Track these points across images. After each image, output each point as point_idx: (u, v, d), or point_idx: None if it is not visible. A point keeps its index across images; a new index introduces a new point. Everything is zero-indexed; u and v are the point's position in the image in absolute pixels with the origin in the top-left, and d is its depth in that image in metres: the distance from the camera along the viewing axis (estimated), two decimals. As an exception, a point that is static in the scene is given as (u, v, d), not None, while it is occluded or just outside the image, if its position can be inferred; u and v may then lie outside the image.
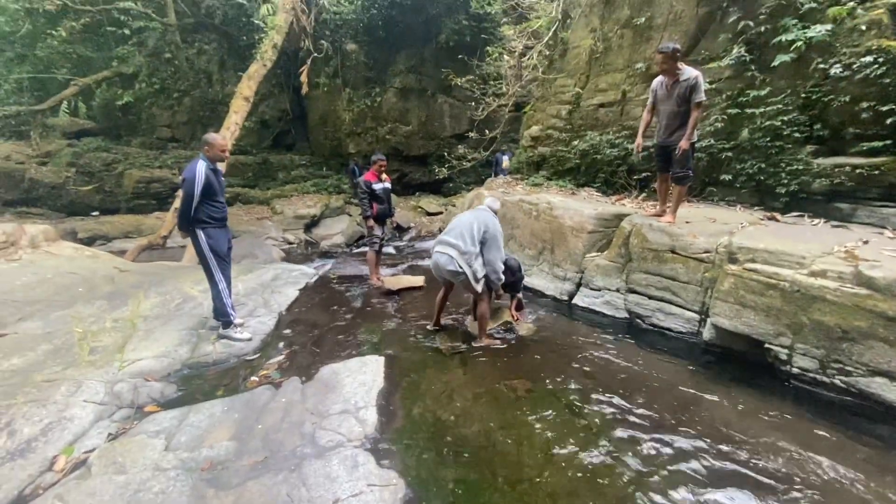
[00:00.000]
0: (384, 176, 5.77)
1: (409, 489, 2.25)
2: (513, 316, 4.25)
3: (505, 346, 3.88)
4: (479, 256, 3.69)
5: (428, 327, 4.27)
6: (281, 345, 3.99)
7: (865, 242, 3.50)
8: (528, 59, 8.28)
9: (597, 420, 2.79)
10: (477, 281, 3.69)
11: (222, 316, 3.81)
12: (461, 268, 3.64)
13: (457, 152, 11.72)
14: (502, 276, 3.79)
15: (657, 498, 2.24)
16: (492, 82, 9.70)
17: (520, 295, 4.42)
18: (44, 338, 3.59)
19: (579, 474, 2.38)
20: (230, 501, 2.16)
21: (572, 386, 3.19)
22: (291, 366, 3.56)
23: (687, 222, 4.37)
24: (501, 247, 3.76)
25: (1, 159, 11.22)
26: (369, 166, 5.72)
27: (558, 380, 3.28)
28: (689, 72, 3.99)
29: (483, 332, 3.93)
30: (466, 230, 3.69)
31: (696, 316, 3.90)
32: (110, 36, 13.38)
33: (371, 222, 5.73)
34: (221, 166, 4.23)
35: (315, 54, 12.69)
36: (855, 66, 4.24)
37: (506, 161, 10.58)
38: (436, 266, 3.77)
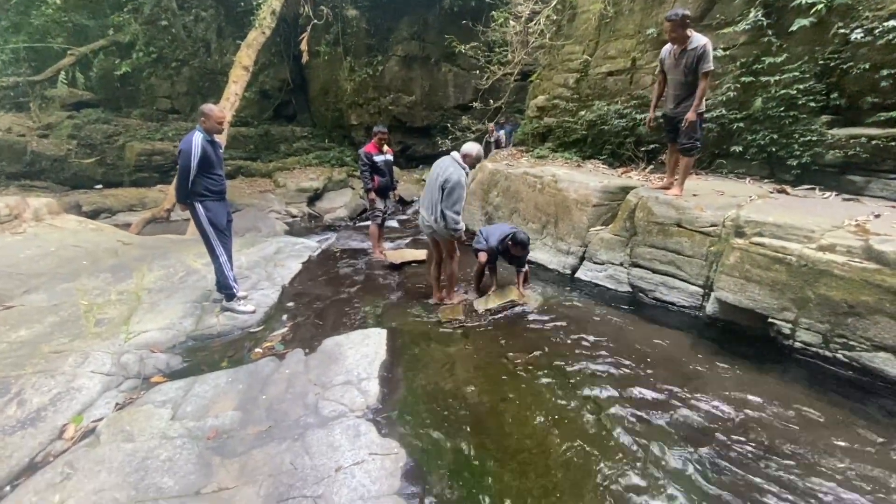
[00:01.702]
0: (386, 148, 5.68)
1: (410, 458, 2.28)
2: (520, 293, 4.23)
3: (500, 317, 3.88)
4: (437, 211, 3.75)
5: (429, 301, 4.29)
6: (284, 317, 4.01)
7: (877, 216, 3.41)
8: (535, 24, 7.96)
9: (596, 391, 2.80)
10: (451, 235, 3.80)
11: (225, 289, 3.82)
12: (432, 225, 3.83)
13: (461, 123, 11.47)
14: (459, 228, 3.72)
15: (652, 470, 2.27)
16: (497, 49, 9.38)
17: (526, 269, 4.41)
18: (50, 310, 3.63)
19: (578, 445, 2.41)
20: (235, 469, 2.21)
21: (573, 359, 3.20)
22: (295, 338, 3.59)
23: (694, 195, 4.29)
24: (461, 198, 3.67)
25: (2, 132, 11.12)
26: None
27: (560, 352, 3.29)
28: (697, 40, 3.81)
29: (451, 291, 4.15)
30: (432, 189, 3.80)
31: (700, 290, 3.87)
32: (105, 3, 12.99)
33: (372, 195, 5.67)
34: (220, 138, 4.15)
35: (315, 21, 12.28)
36: (877, 30, 4.03)
37: (500, 134, 10.31)
38: (421, 224, 4.01)
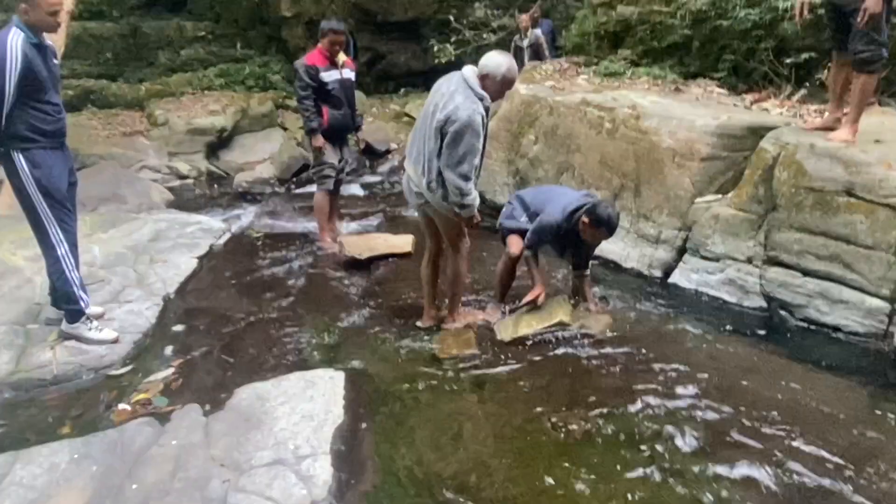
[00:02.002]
0: (343, 58, 5.67)
1: None
2: (591, 306, 4.31)
3: (537, 350, 3.89)
4: (433, 170, 3.76)
5: (418, 324, 4.30)
6: (168, 350, 3.99)
7: None
8: None
9: (715, 488, 2.81)
10: (455, 211, 3.77)
11: (66, 302, 3.81)
12: (423, 193, 3.83)
13: (472, 14, 11.41)
14: (469, 200, 3.68)
15: None
16: None
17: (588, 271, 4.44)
18: None
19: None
20: None
21: (668, 427, 3.20)
22: (186, 386, 3.58)
23: (877, 141, 4.29)
24: (473, 150, 3.61)
25: None
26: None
27: (643, 415, 3.29)
28: None
29: (455, 307, 4.26)
30: (424, 131, 3.77)
31: (886, 305, 3.88)
32: None
33: (319, 140, 5.67)
34: (54, 40, 4.11)
35: None
36: None
37: (539, 33, 10.17)
38: (406, 188, 4.08)
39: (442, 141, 3.60)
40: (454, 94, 3.58)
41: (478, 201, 3.78)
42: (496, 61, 3.64)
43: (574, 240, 4.16)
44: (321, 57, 5.58)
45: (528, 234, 4.12)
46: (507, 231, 4.33)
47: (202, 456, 2.87)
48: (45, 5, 3.46)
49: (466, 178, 3.62)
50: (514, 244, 4.20)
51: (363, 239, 5.98)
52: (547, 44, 10.17)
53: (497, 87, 3.68)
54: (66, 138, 3.75)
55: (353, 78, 5.77)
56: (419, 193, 3.88)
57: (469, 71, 3.68)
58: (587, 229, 4.00)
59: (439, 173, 3.68)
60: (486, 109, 3.65)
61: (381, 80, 14.14)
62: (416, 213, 4.32)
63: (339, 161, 5.92)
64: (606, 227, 3.97)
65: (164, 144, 10.46)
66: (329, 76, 5.58)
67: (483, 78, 3.63)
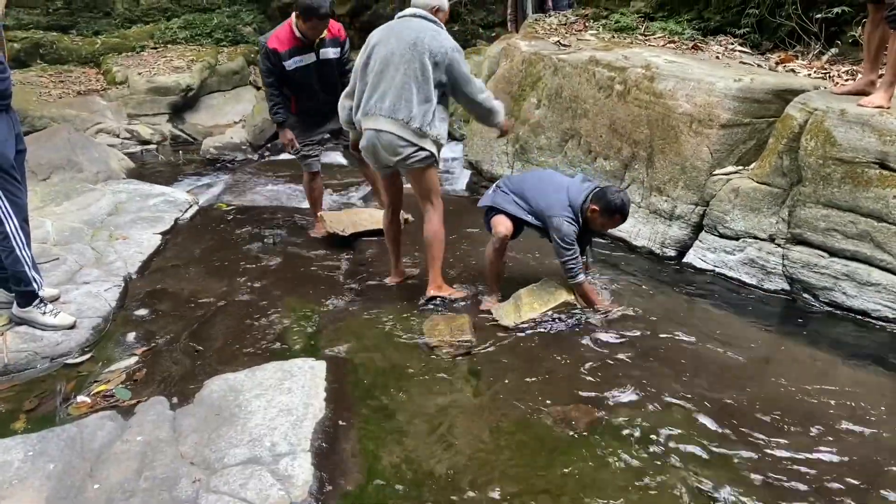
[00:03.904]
0: (325, 33, 5.24)
1: None
2: (590, 299, 4.27)
3: (538, 335, 3.94)
4: (434, 110, 4.05)
5: (386, 281, 4.72)
6: (131, 337, 4.02)
7: None
8: None
9: (728, 487, 2.85)
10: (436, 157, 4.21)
11: (17, 283, 3.83)
12: (415, 147, 4.05)
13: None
14: (494, 105, 4.29)
15: None
16: None
17: (588, 257, 4.45)
18: None
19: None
20: None
21: (679, 420, 3.25)
22: (151, 376, 3.60)
23: (913, 107, 4.30)
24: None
25: None
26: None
27: (653, 408, 3.33)
28: None
29: (438, 273, 4.41)
30: (398, 75, 3.96)
31: (919, 289, 3.94)
32: None
33: (286, 135, 5.47)
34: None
35: None
36: None
37: None
38: (372, 152, 4.19)
39: (434, 77, 3.97)
40: (424, 31, 4.00)
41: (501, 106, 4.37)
42: None
43: (586, 230, 4.21)
44: (289, 37, 5.16)
45: (564, 254, 4.05)
46: (491, 213, 4.31)
47: (170, 453, 2.89)
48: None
49: (483, 90, 4.22)
50: (501, 223, 4.19)
51: (346, 214, 5.99)
52: None
53: (445, 18, 4.25)
54: (11, 100, 3.72)
55: (337, 56, 5.39)
56: (395, 151, 4.05)
57: (424, 11, 4.11)
58: (598, 218, 4.05)
59: (434, 113, 4.02)
60: None
61: (366, 32, 13.96)
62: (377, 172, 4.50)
63: (316, 146, 5.70)
64: (621, 213, 4.02)
65: (123, 105, 10.41)
66: (295, 62, 5.23)
67: (436, 12, 4.16)
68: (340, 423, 3.18)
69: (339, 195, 6.89)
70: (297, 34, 5.17)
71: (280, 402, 3.19)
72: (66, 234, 5.15)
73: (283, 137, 5.57)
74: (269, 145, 9.66)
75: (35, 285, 3.86)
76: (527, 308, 4.19)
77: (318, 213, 5.89)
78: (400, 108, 3.96)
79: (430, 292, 4.39)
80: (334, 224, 5.63)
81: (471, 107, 4.29)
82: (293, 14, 5.17)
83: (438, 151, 4.16)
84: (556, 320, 4.15)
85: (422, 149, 4.04)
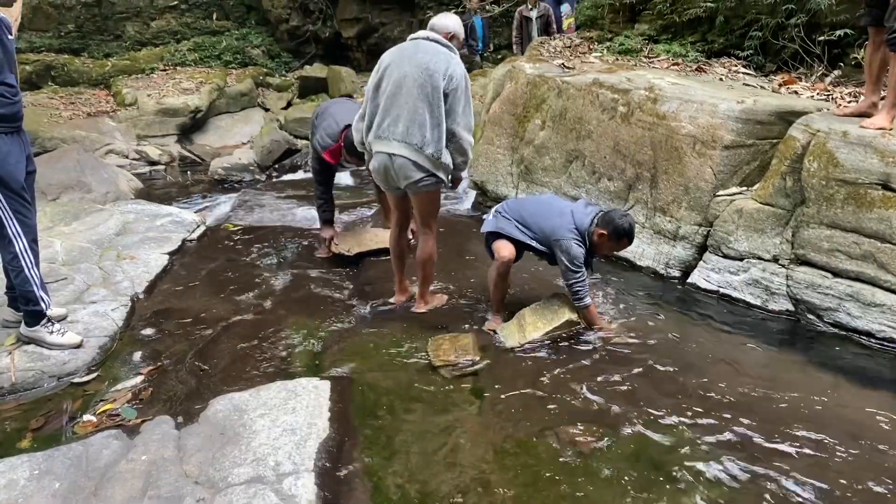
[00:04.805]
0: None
1: None
2: (594, 321, 4.27)
3: (543, 354, 3.94)
4: (445, 135, 4.06)
5: (391, 301, 4.75)
6: (137, 356, 4.03)
7: None
8: None
9: None
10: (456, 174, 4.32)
11: (26, 303, 3.85)
12: (428, 173, 4.09)
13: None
14: (469, 154, 4.22)
15: None
16: None
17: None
18: None
19: None
20: None
21: (684, 442, 3.24)
22: (157, 396, 3.61)
23: (916, 129, 4.31)
24: (471, 100, 4.14)
25: None
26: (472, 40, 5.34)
27: (658, 429, 3.32)
28: None
29: (427, 290, 4.57)
30: (408, 96, 4.00)
31: (923, 310, 3.93)
32: None
33: (328, 231, 5.80)
34: (8, 15, 4.12)
35: None
36: None
37: (548, 6, 10.39)
38: (383, 174, 4.23)
39: (446, 100, 3.99)
40: (439, 54, 4.03)
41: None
42: (455, 20, 4.28)
43: (592, 252, 4.20)
44: (338, 155, 5.43)
45: (572, 277, 4.07)
46: (493, 237, 4.32)
47: (174, 472, 2.89)
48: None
49: (472, 131, 4.15)
50: (504, 247, 4.20)
51: (352, 233, 6.01)
52: (562, 18, 10.24)
53: (460, 45, 4.27)
54: (22, 122, 3.76)
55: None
56: (406, 175, 4.08)
57: (435, 35, 4.13)
58: (605, 242, 4.07)
59: (450, 134, 4.05)
60: None
61: (374, 55, 14.10)
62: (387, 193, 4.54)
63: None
64: (628, 237, 4.04)
65: (133, 126, 10.50)
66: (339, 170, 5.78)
67: (451, 38, 4.19)
68: (344, 442, 3.18)
69: (346, 214, 6.91)
70: (344, 156, 5.40)
71: (284, 422, 3.19)
72: (74, 254, 5.18)
73: (324, 233, 5.79)
74: (276, 166, 9.72)
75: (43, 305, 3.88)
76: (530, 328, 4.19)
77: (328, 243, 5.88)
78: (413, 132, 3.98)
79: (419, 308, 4.59)
80: (340, 244, 5.66)
81: (453, 139, 4.07)
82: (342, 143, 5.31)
83: (447, 176, 4.20)
84: (560, 340, 4.15)
85: (433, 174, 4.09)
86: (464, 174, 4.27)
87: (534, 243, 4.20)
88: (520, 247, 4.24)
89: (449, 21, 4.23)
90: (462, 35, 4.28)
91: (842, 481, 2.95)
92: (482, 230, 4.45)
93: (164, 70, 12.41)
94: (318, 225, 6.01)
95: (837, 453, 3.13)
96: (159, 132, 10.57)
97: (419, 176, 4.06)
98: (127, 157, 9.72)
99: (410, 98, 3.96)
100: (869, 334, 4.11)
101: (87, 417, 3.43)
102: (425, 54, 4.00)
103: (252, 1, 14.49)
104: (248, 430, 3.15)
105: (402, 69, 4.01)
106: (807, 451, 3.15)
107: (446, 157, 4.07)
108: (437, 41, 4.09)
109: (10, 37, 3.67)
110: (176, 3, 14.10)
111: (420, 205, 4.29)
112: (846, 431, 3.30)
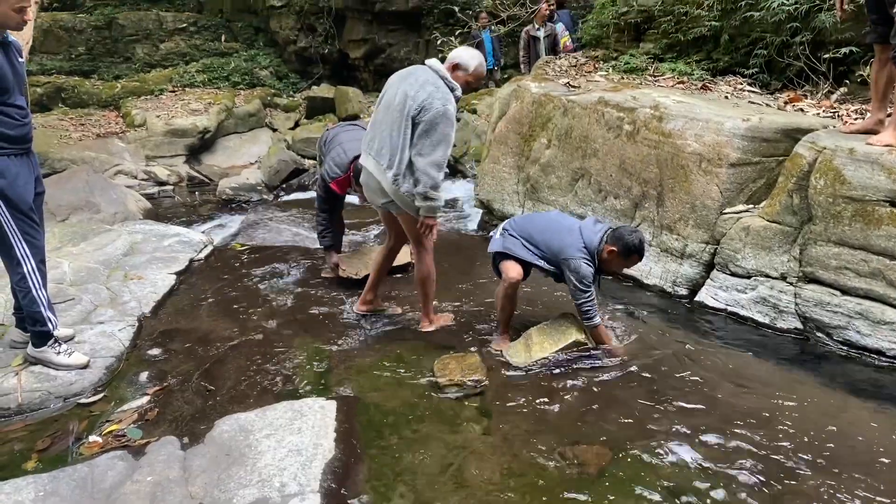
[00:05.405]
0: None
1: None
2: (603, 341, 4.25)
3: (550, 374, 3.92)
4: (404, 162, 4.06)
5: (354, 309, 4.89)
6: (143, 376, 4.03)
7: None
8: None
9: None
10: (424, 209, 4.10)
11: (33, 323, 3.85)
12: (387, 189, 4.14)
13: (480, 4, 11.50)
14: (437, 197, 4.04)
15: None
16: None
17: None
18: None
19: None
20: None
21: (691, 464, 3.21)
22: (163, 416, 3.61)
23: (923, 146, 4.30)
24: (448, 140, 4.00)
25: None
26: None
27: (665, 451, 3.30)
28: None
29: (429, 309, 4.59)
30: (390, 121, 4.08)
31: (934, 328, 3.90)
32: None
33: (333, 257, 5.80)
34: (19, 38, 4.18)
35: None
36: None
37: (556, 27, 10.46)
38: (365, 189, 4.45)
39: (413, 130, 3.94)
40: (425, 84, 3.97)
41: (443, 199, 4.14)
42: (470, 53, 4.21)
43: (602, 270, 4.21)
44: (346, 186, 5.53)
45: (581, 297, 4.05)
46: (500, 257, 4.31)
47: (179, 493, 2.88)
48: (12, 0, 3.50)
49: (440, 167, 4.00)
50: (512, 268, 4.20)
51: (358, 256, 6.01)
52: (570, 38, 10.31)
53: (468, 78, 4.15)
54: (31, 144, 3.79)
55: None
56: (383, 191, 4.19)
57: (436, 63, 4.11)
58: (615, 259, 4.06)
59: (409, 165, 4.01)
60: (457, 100, 4.05)
61: (381, 76, 14.21)
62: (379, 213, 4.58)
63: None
64: (639, 254, 4.03)
65: (141, 147, 10.57)
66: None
67: (454, 68, 4.10)
68: (350, 463, 3.16)
69: (352, 234, 6.92)
70: (353, 185, 5.45)
71: (290, 442, 3.19)
72: (82, 275, 5.20)
73: (329, 260, 5.80)
74: (283, 186, 9.77)
75: (50, 325, 3.89)
76: (537, 348, 4.18)
77: (334, 265, 5.85)
78: (385, 153, 4.12)
79: (425, 327, 4.62)
80: (347, 268, 5.67)
81: (412, 169, 4.00)
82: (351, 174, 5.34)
83: (404, 205, 4.16)
84: (567, 360, 4.13)
85: (392, 200, 4.18)
86: (424, 205, 4.03)
87: (541, 262, 4.20)
88: (527, 266, 4.24)
89: (460, 52, 4.24)
90: (474, 65, 4.15)
91: (857, 502, 2.92)
92: (489, 250, 4.44)
93: (173, 91, 12.52)
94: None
95: (853, 474, 3.10)
96: (168, 153, 10.63)
97: (382, 200, 4.26)
98: (136, 177, 9.78)
99: (389, 120, 4.08)
100: (879, 353, 4.08)
101: (92, 438, 3.42)
102: (414, 81, 4.03)
103: (260, 23, 14.63)
104: (253, 451, 3.14)
105: (393, 91, 4.11)
106: (824, 474, 3.11)
107: (405, 186, 4.04)
108: (434, 69, 4.09)
109: (20, 60, 3.71)
110: (185, 25, 14.25)
111: (404, 224, 4.33)
112: (859, 451, 3.28)
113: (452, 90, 4.02)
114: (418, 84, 3.97)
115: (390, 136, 4.07)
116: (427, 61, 4.19)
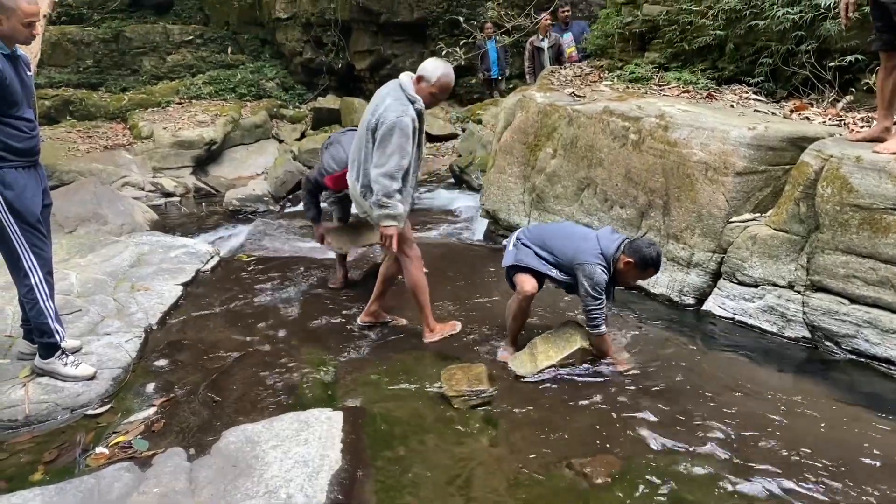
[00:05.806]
0: None
1: None
2: (606, 351, 4.22)
3: (555, 384, 3.91)
4: (361, 174, 4.29)
5: (358, 321, 4.91)
6: (150, 388, 4.04)
7: None
8: None
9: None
10: (380, 221, 4.19)
11: (40, 335, 3.87)
12: (362, 203, 4.32)
13: (484, 14, 11.54)
14: (392, 207, 4.11)
15: None
16: None
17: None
18: None
19: None
20: None
21: (700, 475, 3.20)
22: (170, 428, 3.61)
23: (931, 154, 4.29)
24: (402, 152, 4.06)
25: None
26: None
27: (673, 460, 3.29)
28: None
29: (428, 318, 4.62)
30: (360, 139, 4.30)
31: (944, 336, 3.88)
32: None
33: (319, 229, 5.74)
34: (28, 52, 4.21)
35: None
36: None
37: (560, 37, 10.51)
38: (352, 199, 4.64)
39: (373, 144, 4.11)
40: (385, 98, 4.14)
41: (401, 215, 4.16)
42: (433, 65, 4.22)
43: (617, 281, 4.18)
44: (342, 184, 5.37)
45: (591, 304, 4.00)
46: (515, 270, 4.28)
47: (186, 506, 2.89)
48: (21, 14, 3.52)
49: (392, 177, 4.07)
50: (527, 281, 4.18)
51: (346, 230, 5.90)
52: (576, 48, 10.37)
53: (431, 90, 4.17)
54: (39, 156, 3.81)
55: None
56: (360, 204, 4.40)
57: (405, 76, 4.19)
58: (631, 270, 4.01)
59: (366, 177, 4.20)
60: (419, 113, 4.13)
61: (386, 86, 14.30)
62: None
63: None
64: (655, 267, 4.00)
65: (149, 159, 10.61)
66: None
67: (418, 80, 4.15)
68: (357, 474, 3.16)
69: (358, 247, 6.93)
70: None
71: (296, 454, 3.18)
72: (89, 286, 5.22)
73: (316, 231, 5.78)
74: (290, 197, 9.79)
75: (57, 336, 3.90)
76: (542, 357, 4.18)
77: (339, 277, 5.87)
78: (354, 166, 4.36)
79: (427, 338, 4.64)
80: (333, 242, 5.67)
81: (367, 179, 4.18)
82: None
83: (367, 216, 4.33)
84: (573, 370, 4.13)
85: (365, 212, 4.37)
86: (389, 226, 4.14)
87: (554, 272, 4.16)
88: (541, 278, 4.23)
89: (425, 63, 4.28)
90: (438, 74, 4.15)
91: (864, 513, 2.90)
92: (503, 264, 4.39)
93: (180, 103, 12.59)
94: (330, 255, 6.04)
95: (863, 486, 3.08)
96: (175, 164, 10.68)
97: (362, 212, 4.47)
98: (143, 189, 9.82)
99: (359, 135, 4.29)
100: (889, 361, 4.05)
101: (99, 450, 3.43)
102: (379, 95, 4.23)
103: (266, 35, 14.72)
104: (260, 462, 3.14)
105: (368, 106, 4.31)
106: (834, 483, 3.10)
107: (371, 198, 4.19)
108: (400, 82, 4.17)
109: (28, 73, 3.74)
110: (191, 37, 14.35)
111: (380, 235, 4.37)
112: (870, 461, 3.26)
113: (413, 102, 4.10)
114: (380, 98, 4.15)
115: (358, 149, 4.29)
116: (402, 75, 4.26)
